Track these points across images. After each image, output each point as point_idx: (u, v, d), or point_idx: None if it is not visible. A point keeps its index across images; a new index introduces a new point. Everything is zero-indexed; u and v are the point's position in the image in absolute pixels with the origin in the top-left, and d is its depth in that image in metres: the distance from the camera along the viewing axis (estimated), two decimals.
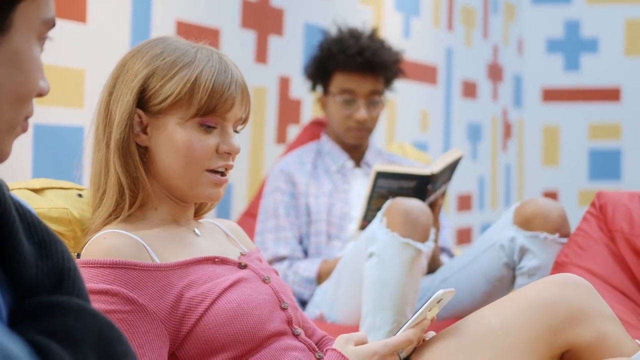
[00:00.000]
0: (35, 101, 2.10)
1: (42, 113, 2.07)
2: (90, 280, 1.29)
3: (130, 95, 1.41)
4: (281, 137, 3.10)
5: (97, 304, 1.28)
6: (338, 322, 2.29)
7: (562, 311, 1.35)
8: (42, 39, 0.91)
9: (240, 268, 1.47)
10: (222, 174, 1.46)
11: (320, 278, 2.45)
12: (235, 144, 1.45)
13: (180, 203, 1.48)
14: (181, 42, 1.46)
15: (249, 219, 2.74)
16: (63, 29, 2.12)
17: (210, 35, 2.72)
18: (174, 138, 1.42)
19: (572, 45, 5.18)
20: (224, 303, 1.36)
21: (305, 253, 2.58)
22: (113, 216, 1.43)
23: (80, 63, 2.19)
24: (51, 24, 0.91)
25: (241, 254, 1.51)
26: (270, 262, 2.51)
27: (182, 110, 1.41)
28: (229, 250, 1.52)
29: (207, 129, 1.42)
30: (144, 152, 1.44)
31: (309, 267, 2.47)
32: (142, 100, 1.42)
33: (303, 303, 2.48)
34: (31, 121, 2.01)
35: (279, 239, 2.54)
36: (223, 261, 1.45)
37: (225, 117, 1.44)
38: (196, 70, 1.41)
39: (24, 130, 0.92)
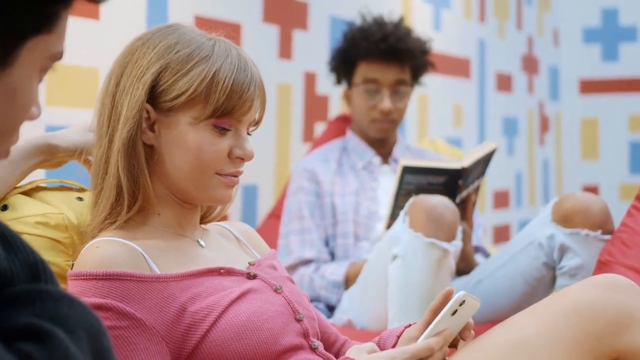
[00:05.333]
0: (47, 102, 2.03)
1: (55, 114, 2.00)
2: (82, 293, 1.19)
3: (141, 89, 1.29)
4: (308, 135, 3.00)
5: None
6: (367, 328, 2.17)
7: (606, 316, 1.23)
8: (44, 70, 0.84)
9: (249, 278, 1.35)
10: (234, 175, 1.35)
11: (348, 281, 2.33)
12: (249, 150, 1.33)
13: (186, 206, 1.36)
14: (196, 33, 1.35)
15: (274, 221, 2.63)
16: (75, 26, 2.04)
17: (231, 31, 2.61)
18: (185, 139, 1.30)
19: (610, 34, 5.02)
20: (231, 317, 1.24)
21: (332, 255, 2.46)
22: (108, 221, 1.31)
23: (93, 61, 2.11)
24: (58, 57, 0.84)
25: (250, 264, 1.40)
26: (296, 265, 2.40)
27: (197, 109, 1.29)
28: (238, 259, 1.40)
29: (221, 131, 1.31)
30: (149, 151, 1.32)
31: (336, 271, 2.35)
32: (152, 96, 1.30)
33: (331, 308, 2.37)
34: (43, 122, 1.95)
35: (304, 242, 2.42)
36: (229, 272, 1.33)
37: (241, 120, 1.32)
38: (214, 66, 1.29)
39: (4, 157, 0.85)
